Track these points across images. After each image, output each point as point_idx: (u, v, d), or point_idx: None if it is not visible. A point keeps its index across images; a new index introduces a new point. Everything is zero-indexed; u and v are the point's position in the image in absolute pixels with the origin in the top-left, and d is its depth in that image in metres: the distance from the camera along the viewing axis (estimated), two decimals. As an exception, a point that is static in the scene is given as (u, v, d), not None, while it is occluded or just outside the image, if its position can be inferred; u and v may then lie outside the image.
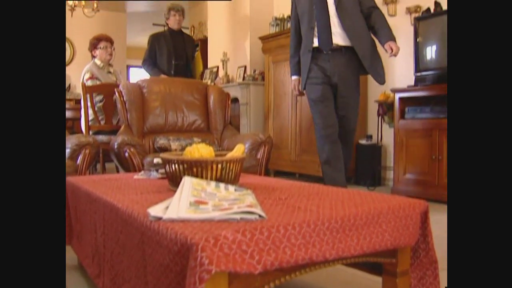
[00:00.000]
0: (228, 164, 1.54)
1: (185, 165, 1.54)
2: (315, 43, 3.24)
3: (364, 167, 4.60)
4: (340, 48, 3.19)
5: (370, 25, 3.26)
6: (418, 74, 3.98)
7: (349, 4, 3.19)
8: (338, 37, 3.19)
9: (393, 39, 3.20)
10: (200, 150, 1.60)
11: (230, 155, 1.63)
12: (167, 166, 1.65)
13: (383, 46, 3.21)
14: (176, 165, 1.58)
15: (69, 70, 8.12)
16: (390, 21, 4.67)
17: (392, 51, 3.14)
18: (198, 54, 5.39)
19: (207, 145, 1.69)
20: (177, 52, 5.05)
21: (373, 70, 3.26)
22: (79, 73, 4.73)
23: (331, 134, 3.23)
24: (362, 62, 3.20)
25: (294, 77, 3.48)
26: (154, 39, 5.14)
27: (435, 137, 3.71)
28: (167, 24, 5.17)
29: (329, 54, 3.21)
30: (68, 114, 5.39)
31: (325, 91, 3.24)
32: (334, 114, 3.26)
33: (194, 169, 1.54)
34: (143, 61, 5.22)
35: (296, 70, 3.42)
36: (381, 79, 3.27)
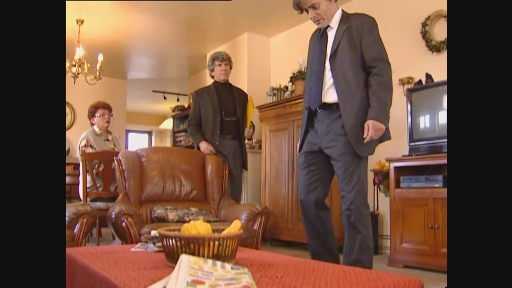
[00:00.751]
0: (225, 241, 1.56)
1: (183, 242, 1.57)
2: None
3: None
4: (331, 106, 2.81)
5: (368, 86, 2.77)
6: (412, 144, 4.06)
7: (346, 54, 2.76)
8: (328, 94, 2.82)
9: (376, 117, 2.69)
10: (198, 227, 1.62)
11: (226, 231, 1.66)
12: (165, 241, 1.67)
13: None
14: (174, 241, 1.60)
15: (69, 134, 8.24)
16: (384, 92, 4.83)
17: (368, 132, 2.69)
18: (250, 98, 4.51)
19: (204, 220, 1.72)
20: (224, 107, 4.31)
21: (354, 137, 2.73)
22: (79, 137, 4.80)
23: (308, 205, 2.92)
24: (344, 123, 2.74)
25: None
26: (197, 96, 4.46)
27: (431, 206, 3.74)
28: (212, 77, 4.48)
29: (318, 113, 2.89)
30: (67, 179, 5.42)
31: (309, 159, 2.93)
32: (315, 182, 2.91)
33: (191, 246, 1.56)
34: (187, 122, 4.54)
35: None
36: (360, 151, 2.76)
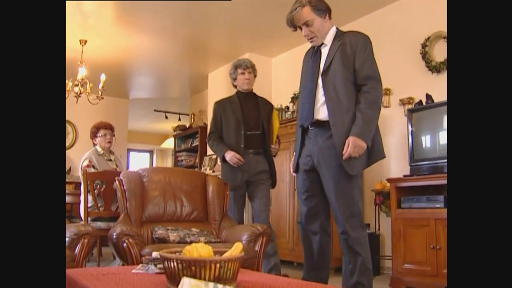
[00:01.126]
0: (226, 264, 1.56)
1: (184, 264, 1.57)
2: None
3: (362, 256, 4.57)
4: (323, 123, 2.77)
5: (357, 103, 2.72)
6: (413, 164, 4.07)
7: (338, 70, 2.73)
8: (321, 110, 2.78)
9: (358, 134, 2.63)
10: (199, 249, 1.63)
11: (228, 254, 1.66)
12: (166, 263, 1.67)
13: None
14: (175, 263, 1.60)
15: (71, 153, 8.28)
16: (384, 112, 4.86)
17: (347, 148, 2.62)
18: (275, 113, 4.06)
19: (205, 240, 1.72)
20: (247, 119, 3.88)
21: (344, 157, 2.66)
22: (80, 156, 4.82)
23: (308, 230, 2.91)
24: (334, 138, 2.70)
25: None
26: (219, 107, 4.03)
27: (432, 227, 3.73)
28: (235, 86, 4.07)
29: (311, 131, 2.85)
30: (68, 199, 5.42)
31: (305, 181, 2.91)
32: (315, 206, 2.88)
33: (193, 268, 1.56)
34: (207, 136, 4.12)
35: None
36: (350, 168, 2.68)
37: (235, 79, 4.00)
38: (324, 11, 2.82)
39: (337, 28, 2.90)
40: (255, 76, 4.03)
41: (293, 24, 2.85)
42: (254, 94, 4.06)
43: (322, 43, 2.87)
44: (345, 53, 2.74)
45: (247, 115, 3.89)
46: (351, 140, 2.61)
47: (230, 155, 3.77)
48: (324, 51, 2.86)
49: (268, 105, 4.07)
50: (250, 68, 3.96)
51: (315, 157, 2.80)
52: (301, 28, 2.86)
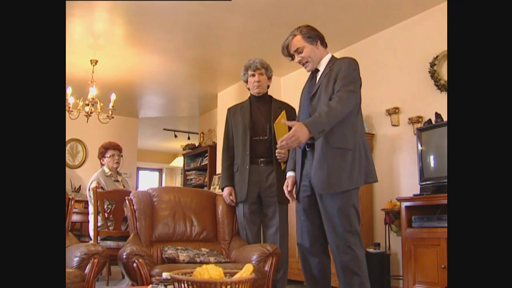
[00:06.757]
0: (237, 286, 1.56)
1: (195, 286, 1.57)
2: None
3: (372, 276, 4.52)
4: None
5: None
6: (423, 183, 4.05)
7: (322, 94, 2.80)
8: None
9: (306, 123, 2.55)
10: (210, 271, 1.63)
11: (238, 275, 1.66)
12: (176, 285, 1.67)
13: None
14: (185, 285, 1.61)
15: (81, 172, 8.34)
16: (393, 130, 4.87)
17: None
18: (283, 114, 3.44)
19: (215, 260, 1.72)
20: (255, 124, 3.53)
21: (320, 176, 2.68)
22: (90, 175, 4.85)
23: (308, 251, 2.86)
24: (313, 162, 2.72)
25: (288, 174, 2.99)
26: (230, 113, 3.72)
27: (443, 246, 3.70)
28: (249, 89, 3.69)
29: (308, 152, 2.83)
30: (77, 217, 5.45)
31: (304, 202, 2.86)
32: (316, 227, 2.82)
33: (203, 290, 1.56)
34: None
35: (290, 165, 3.02)
36: (325, 189, 2.68)
37: (246, 82, 3.66)
38: (315, 38, 2.93)
39: (332, 55, 2.98)
40: (269, 77, 3.66)
41: (288, 52, 3.01)
42: (270, 97, 3.70)
43: (318, 70, 2.95)
44: (330, 77, 2.82)
45: (255, 119, 3.55)
46: (295, 125, 2.53)
47: (224, 194, 3.58)
48: (318, 76, 2.94)
49: (283, 108, 3.58)
50: (262, 69, 3.58)
51: (312, 176, 2.77)
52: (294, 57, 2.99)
